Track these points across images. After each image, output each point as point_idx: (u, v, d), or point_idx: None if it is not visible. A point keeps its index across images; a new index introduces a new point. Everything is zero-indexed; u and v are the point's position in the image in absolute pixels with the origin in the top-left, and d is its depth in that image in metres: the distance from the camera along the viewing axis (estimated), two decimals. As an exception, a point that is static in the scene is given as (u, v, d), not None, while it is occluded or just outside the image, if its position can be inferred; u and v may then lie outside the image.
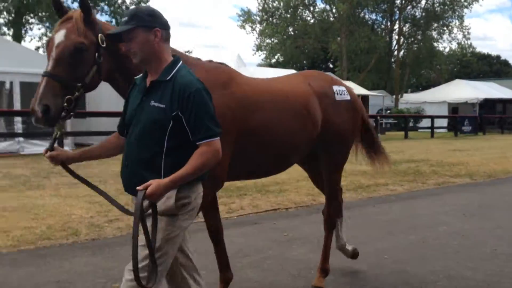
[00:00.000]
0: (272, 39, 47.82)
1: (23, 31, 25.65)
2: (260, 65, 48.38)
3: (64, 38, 2.76)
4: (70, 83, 2.72)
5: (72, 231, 5.84)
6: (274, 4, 45.18)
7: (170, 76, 2.51)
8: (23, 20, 25.13)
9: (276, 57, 51.13)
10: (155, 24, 2.50)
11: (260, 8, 45.40)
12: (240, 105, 3.39)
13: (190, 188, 2.54)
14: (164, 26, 2.54)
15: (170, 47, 2.64)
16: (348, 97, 4.19)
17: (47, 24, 25.77)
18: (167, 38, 2.57)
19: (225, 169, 3.30)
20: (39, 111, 2.61)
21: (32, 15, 25.32)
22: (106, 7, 26.54)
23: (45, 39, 26.18)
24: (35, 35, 26.58)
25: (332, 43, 42.43)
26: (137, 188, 2.34)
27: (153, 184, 2.33)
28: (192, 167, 2.43)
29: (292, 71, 24.82)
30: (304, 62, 51.49)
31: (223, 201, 7.60)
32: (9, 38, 23.50)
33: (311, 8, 45.47)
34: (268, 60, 52.03)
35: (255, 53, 54.04)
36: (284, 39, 46.27)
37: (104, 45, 2.86)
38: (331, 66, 53.49)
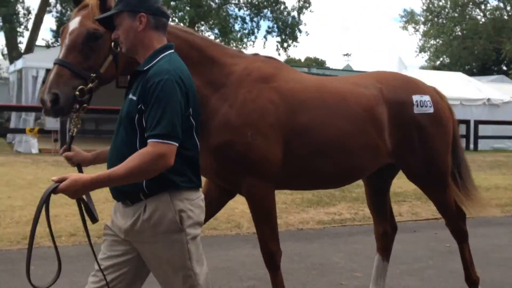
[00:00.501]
0: (437, 40, 45.31)
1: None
2: (423, 67, 46.16)
3: (78, 25, 2.59)
4: (83, 72, 2.52)
5: (235, 224, 6.25)
6: (440, 4, 42.79)
7: (149, 66, 2.22)
8: (196, 29, 27.35)
9: (441, 59, 48.34)
10: (140, 8, 2.22)
11: (425, 8, 43.36)
12: (285, 101, 3.12)
13: (181, 196, 2.22)
14: (152, 11, 2.24)
15: (163, 35, 2.32)
16: (431, 110, 3.54)
17: (216, 31, 27.68)
18: (157, 25, 2.27)
19: (278, 168, 3.09)
20: (47, 100, 2.46)
21: (202, 23, 27.39)
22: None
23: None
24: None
25: (506, 43, 38.77)
26: (52, 178, 2.10)
27: (70, 178, 2.06)
28: (124, 168, 2.06)
29: (460, 74, 23.37)
30: (473, 64, 47.87)
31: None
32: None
33: (482, 6, 42.13)
34: (431, 62, 49.42)
35: (417, 55, 51.49)
36: (450, 39, 43.52)
37: None
38: (504, 68, 48.93)
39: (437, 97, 3.70)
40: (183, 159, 2.21)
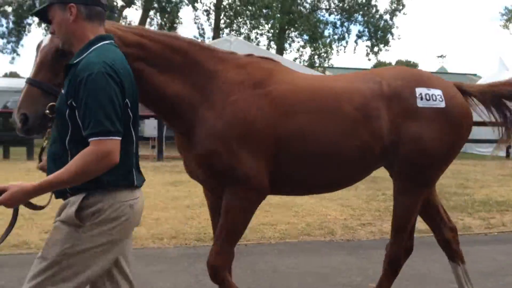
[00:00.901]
0: (543, 38, 42.14)
1: (286, 45, 28.21)
2: (527, 68, 43.15)
3: (48, 41, 2.56)
4: (53, 89, 2.46)
5: (329, 231, 6.26)
6: (547, -2, 39.79)
7: (79, 59, 2.11)
8: (285, 35, 27.60)
9: (548, 58, 44.91)
10: None
11: (529, 4, 40.52)
12: (275, 107, 2.97)
13: (103, 194, 2.13)
14: (83, 0, 2.15)
15: (98, 25, 2.22)
16: (442, 104, 3.19)
17: (305, 37, 27.76)
18: (90, 15, 2.17)
19: (265, 177, 2.98)
20: (17, 120, 2.46)
21: (292, 29, 27.58)
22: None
23: (301, 51, 28.32)
24: (294, 48, 29.37)
25: None
26: None
27: (10, 191, 2.05)
28: (67, 172, 2.00)
29: None
30: None
31: (481, 216, 7.15)
32: (273, 51, 26.10)
33: None
34: (537, 62, 46.04)
35: (520, 55, 48.14)
36: (558, 37, 40.31)
37: None
38: None
39: (456, 94, 3.33)
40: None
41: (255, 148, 2.92)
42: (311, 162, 3.08)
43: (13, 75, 65.54)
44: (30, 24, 22.95)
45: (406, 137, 3.14)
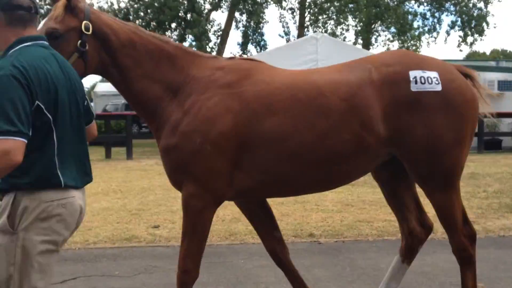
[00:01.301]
0: None
1: (372, 39, 27.64)
2: None
3: (42, 25, 2.71)
4: None
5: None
6: None
7: None
8: (373, 28, 27.04)
9: None
10: None
11: None
12: (247, 108, 2.90)
13: (27, 195, 2.15)
14: (1, 6, 2.19)
15: (22, 29, 2.23)
16: (438, 88, 2.95)
17: (392, 30, 27.02)
18: (11, 20, 2.20)
19: (224, 182, 2.92)
20: None
21: (379, 22, 26.95)
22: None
23: (388, 44, 27.60)
24: (381, 41, 28.66)
25: None
26: None
27: None
28: None
29: None
30: None
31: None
32: (359, 46, 25.68)
33: None
34: None
35: None
36: None
37: (89, 32, 2.80)
38: None
39: (455, 76, 3.07)
40: (34, 157, 2.15)
41: (219, 148, 2.88)
42: (296, 161, 2.96)
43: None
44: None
45: (405, 125, 2.95)
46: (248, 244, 5.53)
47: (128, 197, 8.23)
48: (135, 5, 23.10)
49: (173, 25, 23.49)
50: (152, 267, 4.75)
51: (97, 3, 23.45)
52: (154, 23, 22.89)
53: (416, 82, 2.94)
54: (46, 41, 2.35)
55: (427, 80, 2.94)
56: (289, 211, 6.94)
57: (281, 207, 7.20)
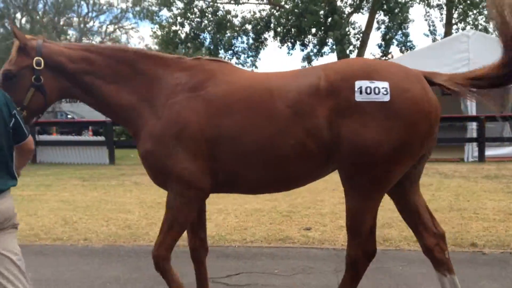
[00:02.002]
0: None
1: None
2: None
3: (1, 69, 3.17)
4: None
5: None
6: None
7: None
8: None
9: None
10: None
11: None
12: (209, 109, 3.07)
13: None
14: None
15: None
16: (385, 98, 2.84)
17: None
18: None
19: (203, 176, 3.12)
20: None
21: None
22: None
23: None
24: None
25: None
26: None
27: None
28: None
29: None
30: None
31: None
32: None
33: None
34: None
35: None
36: None
37: (41, 67, 3.16)
38: None
39: (411, 86, 2.90)
40: None
41: (190, 149, 3.06)
42: (248, 161, 3.08)
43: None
44: (266, 39, 25.08)
45: (344, 134, 2.90)
46: (403, 251, 5.37)
47: (277, 199, 8.47)
48: (277, 13, 23.76)
49: (313, 30, 23.68)
50: (309, 268, 4.83)
51: (241, 13, 24.57)
52: (294, 30, 23.33)
53: (361, 92, 2.89)
54: None
55: (373, 91, 2.88)
56: (445, 219, 6.59)
57: (436, 214, 6.86)
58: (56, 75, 3.25)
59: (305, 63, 24.09)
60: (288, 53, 25.49)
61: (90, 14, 23.51)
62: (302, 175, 3.20)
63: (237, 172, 3.17)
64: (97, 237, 6.06)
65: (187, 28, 24.03)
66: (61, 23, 22.72)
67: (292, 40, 24.13)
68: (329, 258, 5.17)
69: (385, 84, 2.90)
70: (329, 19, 22.43)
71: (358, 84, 2.92)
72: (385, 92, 2.88)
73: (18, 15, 21.84)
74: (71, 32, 24.26)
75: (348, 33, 23.42)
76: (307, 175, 3.23)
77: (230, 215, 7.22)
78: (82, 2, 23.05)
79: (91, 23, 24.04)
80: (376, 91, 2.89)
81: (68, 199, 8.71)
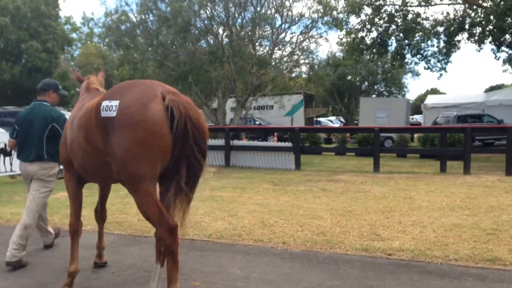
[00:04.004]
0: None
1: None
2: None
3: None
4: None
5: None
6: None
7: None
8: None
9: None
10: None
11: None
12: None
13: None
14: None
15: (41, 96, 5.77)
16: (113, 114, 3.69)
17: None
18: (38, 92, 5.60)
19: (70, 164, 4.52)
20: None
21: None
22: None
23: None
24: None
25: None
26: None
27: None
28: None
29: None
30: None
31: None
32: None
33: None
34: None
35: None
36: None
37: None
38: None
39: (131, 103, 3.66)
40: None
41: (65, 146, 4.60)
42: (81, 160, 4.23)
43: (434, 91, 68.72)
44: (459, 41, 23.42)
45: (106, 142, 3.78)
46: None
47: (477, 214, 7.82)
48: (473, 13, 22.05)
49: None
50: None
51: (431, 16, 23.32)
52: (495, 30, 21.33)
53: (104, 110, 3.73)
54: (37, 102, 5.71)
55: (109, 108, 3.71)
56: None
57: None
58: None
59: (506, 66, 21.87)
60: (496, 57, 23.06)
61: (283, 26, 24.54)
62: (100, 171, 4.16)
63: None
64: (295, 242, 6.26)
65: (374, 34, 23.71)
66: (256, 35, 24.13)
67: (495, 41, 22.05)
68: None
69: (116, 103, 3.71)
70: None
71: (103, 103, 3.78)
72: (114, 109, 3.69)
73: (220, 30, 23.83)
74: (264, 43, 25.64)
75: None
76: (103, 173, 4.11)
77: (426, 228, 6.87)
78: (276, 15, 24.15)
79: (283, 34, 25.04)
80: (111, 108, 3.71)
81: (262, 202, 9.19)
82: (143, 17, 23.43)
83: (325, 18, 23.90)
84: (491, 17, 19.70)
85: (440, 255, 5.54)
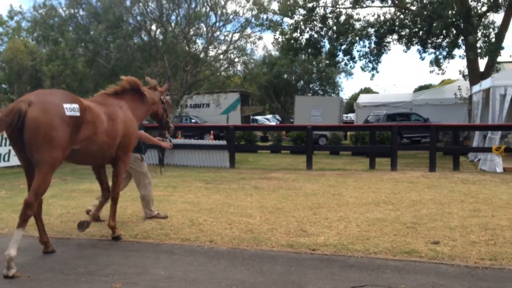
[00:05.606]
0: None
1: None
2: None
3: None
4: None
5: None
6: None
7: None
8: None
9: None
10: None
11: None
12: None
13: None
14: None
15: None
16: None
17: None
18: None
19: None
20: None
21: None
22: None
23: None
24: None
25: None
26: None
27: None
28: None
29: None
30: None
31: None
32: None
33: None
34: None
35: None
36: None
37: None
38: None
39: (44, 105, 5.06)
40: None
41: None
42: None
43: (367, 90, 70.88)
44: (389, 43, 24.30)
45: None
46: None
47: (400, 209, 8.14)
48: (402, 16, 22.94)
49: (444, 32, 22.37)
50: (439, 285, 4.56)
51: (363, 17, 24.06)
52: (421, 32, 22.28)
53: (68, 110, 5.22)
54: None
55: (73, 109, 5.27)
56: None
57: None
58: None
59: (434, 67, 22.89)
60: (421, 57, 24.17)
61: (217, 24, 24.48)
62: (84, 157, 5.83)
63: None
64: (222, 240, 6.26)
65: (307, 35, 24.13)
66: (191, 33, 23.91)
67: (421, 43, 23.03)
68: (462, 276, 4.83)
69: (76, 105, 5.33)
70: (461, 23, 21.00)
71: (65, 105, 5.23)
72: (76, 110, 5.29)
73: (153, 27, 23.43)
74: (199, 41, 25.49)
75: (487, 34, 21.64)
76: (89, 158, 5.96)
77: (351, 223, 7.08)
78: (211, 13, 24.04)
79: (217, 32, 24.98)
80: (74, 109, 5.28)
81: (193, 200, 9.13)
82: (72, 11, 22.62)
83: (260, 20, 24.10)
84: (418, 19, 20.55)
85: (361, 249, 5.72)
